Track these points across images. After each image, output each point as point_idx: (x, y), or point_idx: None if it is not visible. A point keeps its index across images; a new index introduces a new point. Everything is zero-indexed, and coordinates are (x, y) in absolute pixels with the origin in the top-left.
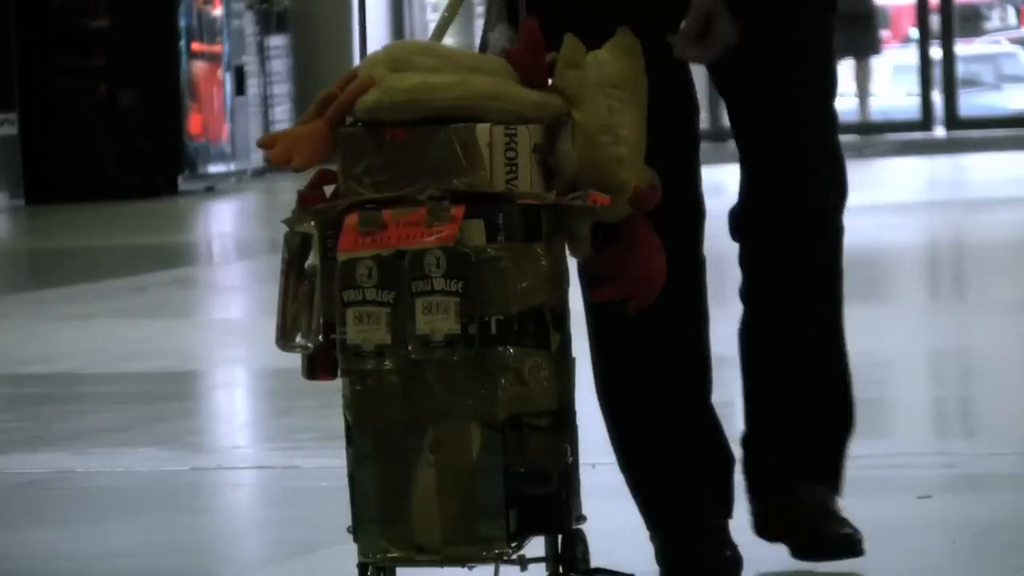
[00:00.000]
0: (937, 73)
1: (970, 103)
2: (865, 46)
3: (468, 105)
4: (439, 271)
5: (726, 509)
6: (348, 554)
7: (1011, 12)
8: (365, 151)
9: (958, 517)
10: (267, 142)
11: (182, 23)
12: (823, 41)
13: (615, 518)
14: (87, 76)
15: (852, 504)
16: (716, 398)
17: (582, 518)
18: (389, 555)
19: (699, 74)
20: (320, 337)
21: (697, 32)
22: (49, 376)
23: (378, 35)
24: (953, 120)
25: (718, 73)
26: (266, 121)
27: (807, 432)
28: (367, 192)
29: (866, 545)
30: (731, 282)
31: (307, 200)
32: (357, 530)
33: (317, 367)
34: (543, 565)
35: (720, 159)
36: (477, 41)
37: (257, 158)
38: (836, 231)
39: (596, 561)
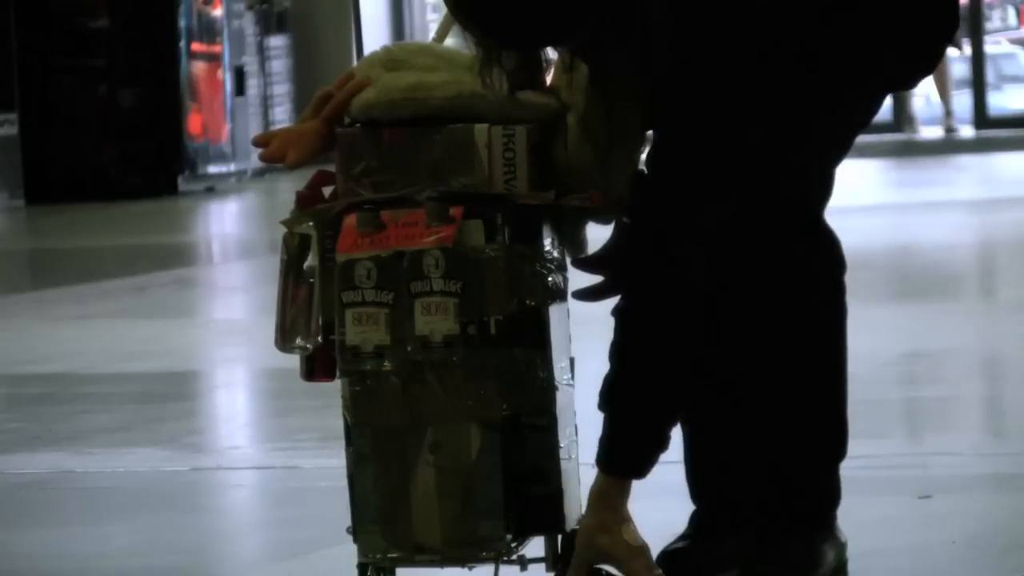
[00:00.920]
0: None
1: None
2: None
3: (463, 104)
4: (438, 272)
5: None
6: (348, 554)
7: (1011, 12)
8: (363, 152)
9: (958, 517)
10: (262, 140)
11: (182, 23)
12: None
13: None
14: (87, 76)
15: (852, 504)
16: None
17: (582, 518)
18: (389, 555)
19: None
20: (319, 338)
21: None
22: (49, 376)
23: (378, 35)
24: (983, 120)
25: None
26: (266, 121)
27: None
28: (366, 193)
29: (862, 545)
30: None
31: (306, 201)
32: (357, 530)
33: (315, 369)
34: (543, 565)
35: None
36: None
37: (257, 158)
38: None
39: None
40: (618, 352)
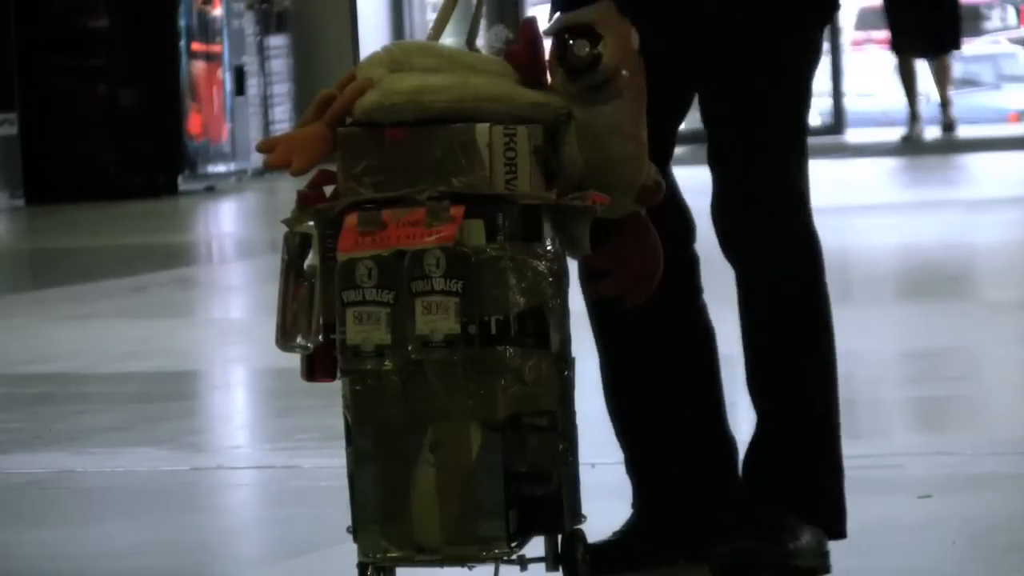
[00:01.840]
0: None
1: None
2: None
3: (466, 106)
4: (439, 271)
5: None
6: (348, 554)
7: (1011, 12)
8: (364, 151)
9: (958, 517)
10: (266, 146)
11: (182, 23)
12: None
13: (615, 518)
14: (87, 76)
15: (852, 503)
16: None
17: (582, 518)
18: (389, 555)
19: None
20: (320, 337)
21: None
22: (49, 376)
23: (378, 35)
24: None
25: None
26: (266, 121)
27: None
28: (367, 192)
29: (862, 545)
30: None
31: (307, 200)
32: (357, 530)
33: (316, 369)
34: (543, 565)
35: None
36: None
37: (257, 158)
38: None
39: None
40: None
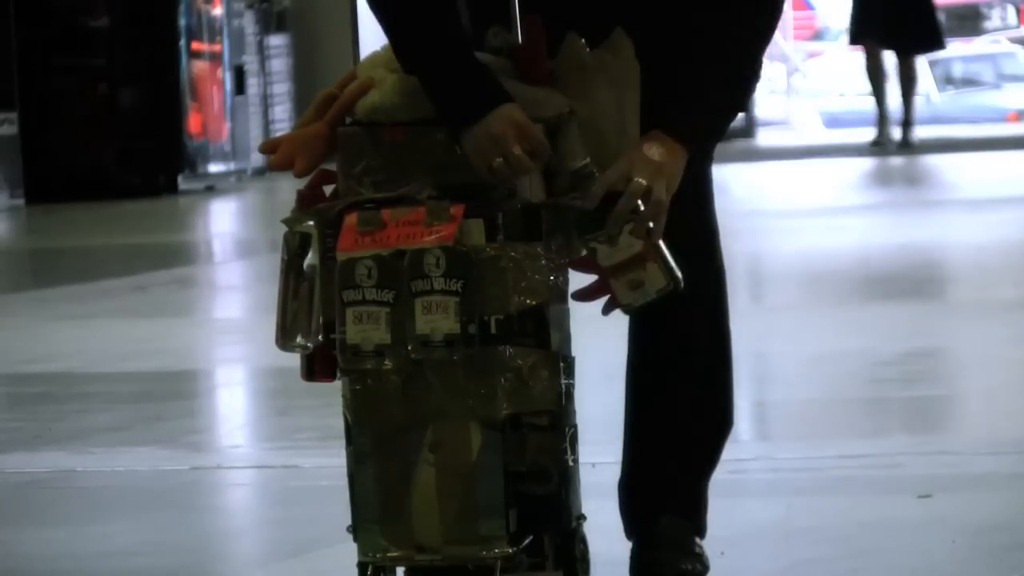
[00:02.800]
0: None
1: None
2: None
3: None
4: (439, 270)
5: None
6: (348, 554)
7: (1011, 12)
8: (364, 151)
9: (958, 517)
10: (269, 147)
11: (182, 23)
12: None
13: (615, 517)
14: (87, 76)
15: (852, 503)
16: None
17: (582, 517)
18: (389, 555)
19: None
20: (320, 337)
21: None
22: (49, 376)
23: (378, 35)
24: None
25: None
26: (266, 121)
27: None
28: (366, 192)
29: (862, 545)
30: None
31: (307, 200)
32: (357, 529)
33: (315, 369)
34: (543, 564)
35: (720, 159)
36: None
37: (257, 158)
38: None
39: (596, 560)
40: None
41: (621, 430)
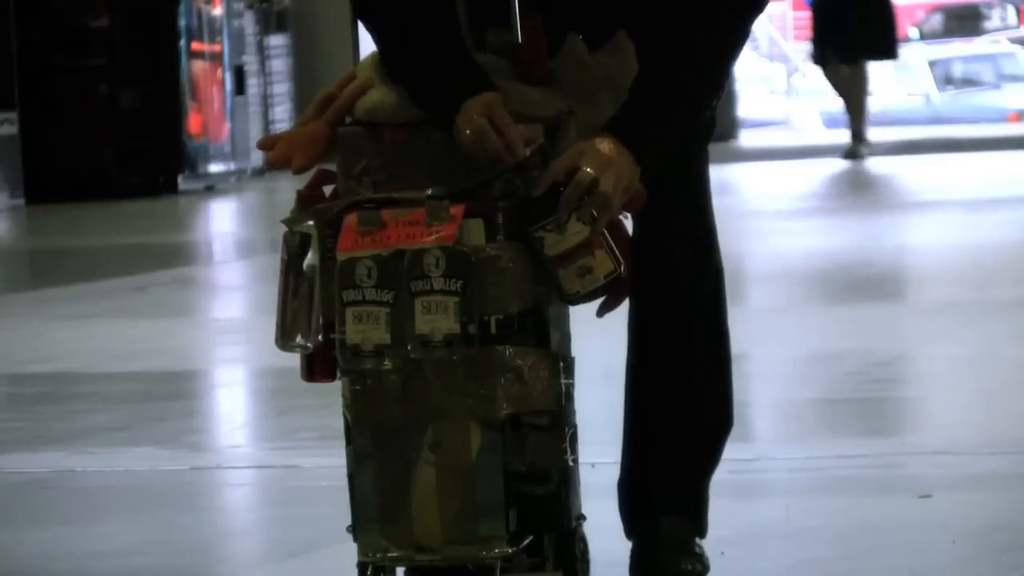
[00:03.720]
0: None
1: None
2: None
3: None
4: (438, 271)
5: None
6: (348, 554)
7: (1011, 12)
8: (364, 151)
9: (958, 517)
10: (267, 144)
11: (182, 23)
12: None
13: (615, 516)
14: (87, 76)
15: (852, 503)
16: None
17: (582, 517)
18: (389, 554)
19: None
20: (320, 337)
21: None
22: (49, 375)
23: None
24: None
25: None
26: (266, 121)
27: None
28: (366, 192)
29: (862, 545)
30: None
31: (306, 200)
32: (357, 529)
33: (315, 369)
34: (543, 565)
35: (722, 159)
36: None
37: (257, 158)
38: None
39: (596, 560)
40: None
41: (621, 430)
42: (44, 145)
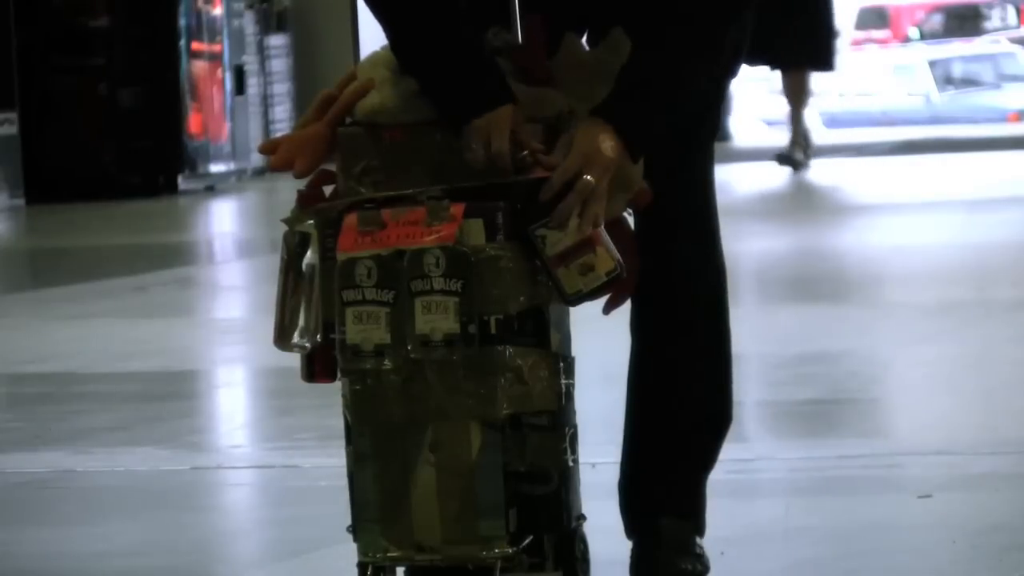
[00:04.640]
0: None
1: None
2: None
3: None
4: (439, 270)
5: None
6: (348, 554)
7: (1011, 12)
8: (364, 151)
9: (958, 517)
10: (268, 147)
11: (182, 22)
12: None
13: (615, 517)
14: (87, 76)
15: (852, 503)
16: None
17: (582, 517)
18: (389, 554)
19: None
20: (319, 337)
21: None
22: (49, 376)
23: (378, 34)
24: None
25: None
26: (266, 121)
27: (673, 464)
28: (366, 192)
29: (862, 545)
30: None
31: (307, 200)
32: (357, 529)
33: (316, 370)
34: (543, 565)
35: (720, 159)
36: None
37: (257, 158)
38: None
39: (596, 560)
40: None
41: (621, 430)
42: (44, 145)
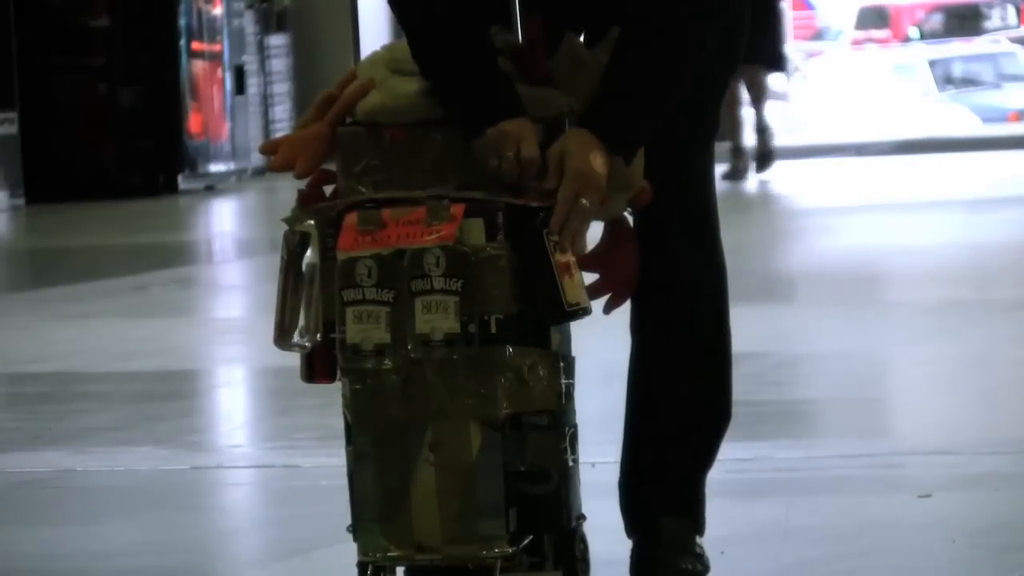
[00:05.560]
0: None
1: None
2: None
3: None
4: (439, 270)
5: None
6: (348, 553)
7: (1011, 12)
8: (364, 151)
9: (958, 517)
10: (269, 148)
11: (182, 22)
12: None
13: (615, 516)
14: (87, 75)
15: (852, 503)
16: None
17: (582, 517)
18: (389, 554)
19: None
20: (319, 336)
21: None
22: (49, 375)
23: (378, 34)
24: None
25: None
26: (266, 120)
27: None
28: (366, 191)
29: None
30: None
31: (307, 199)
32: (357, 529)
33: (315, 370)
34: (543, 565)
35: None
36: None
37: (257, 157)
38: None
39: (595, 560)
40: None
41: (621, 430)
42: (44, 145)
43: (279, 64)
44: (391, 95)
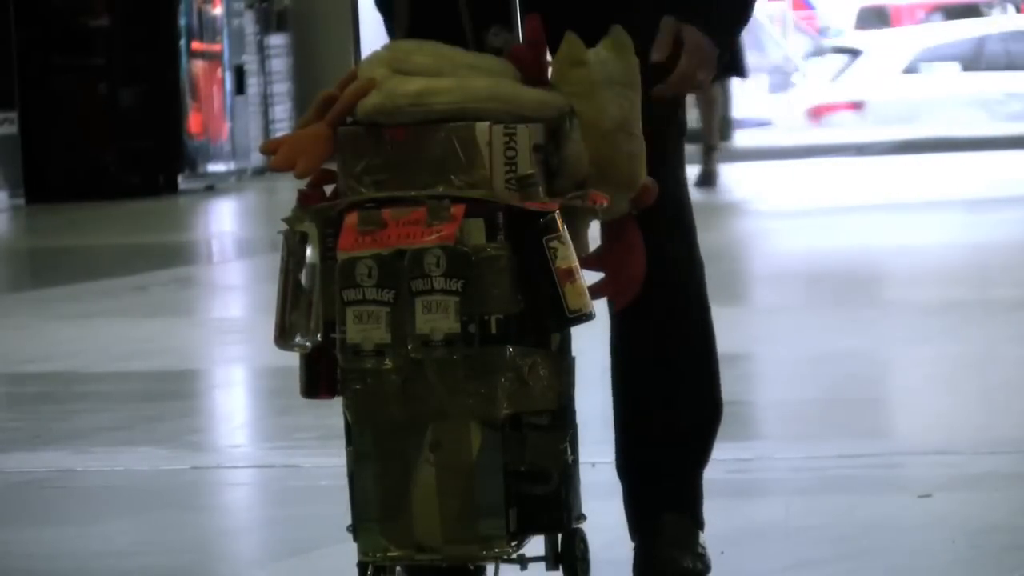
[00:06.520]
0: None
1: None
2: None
3: (469, 108)
4: (439, 270)
5: None
6: (348, 553)
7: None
8: (365, 150)
9: (958, 517)
10: (270, 148)
11: (182, 22)
12: None
13: (615, 516)
14: (87, 75)
15: (852, 503)
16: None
17: (582, 517)
18: (389, 554)
19: None
20: (319, 336)
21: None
22: (49, 375)
23: (378, 34)
24: None
25: None
26: (266, 120)
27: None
28: (367, 191)
29: (862, 545)
30: (727, 278)
31: (307, 199)
32: (357, 529)
33: (319, 385)
34: (543, 565)
35: (721, 158)
36: None
37: (257, 157)
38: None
39: (596, 560)
40: None
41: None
42: (44, 145)
43: (279, 64)
44: (391, 95)
